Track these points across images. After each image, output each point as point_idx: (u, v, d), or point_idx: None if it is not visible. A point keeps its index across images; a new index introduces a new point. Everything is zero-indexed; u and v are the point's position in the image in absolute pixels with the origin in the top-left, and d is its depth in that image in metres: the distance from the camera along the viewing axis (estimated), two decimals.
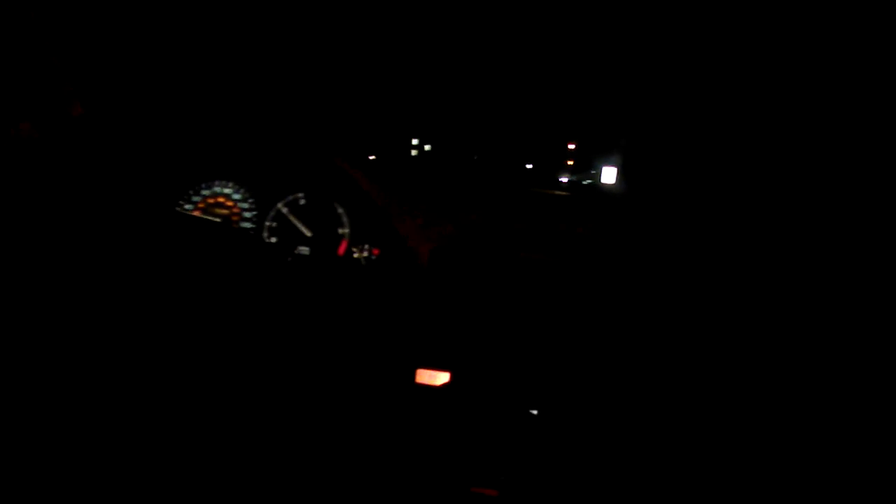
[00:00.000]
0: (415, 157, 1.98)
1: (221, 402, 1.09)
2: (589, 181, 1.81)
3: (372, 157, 1.91)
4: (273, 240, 1.49)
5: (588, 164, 1.83)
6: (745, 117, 1.37)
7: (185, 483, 0.94)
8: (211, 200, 1.52)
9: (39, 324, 1.15)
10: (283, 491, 0.96)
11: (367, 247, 1.45)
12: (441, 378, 1.17)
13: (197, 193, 1.53)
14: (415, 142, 1.98)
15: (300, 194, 1.49)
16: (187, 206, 1.52)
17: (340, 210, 1.47)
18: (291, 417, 1.09)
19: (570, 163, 1.88)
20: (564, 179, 1.88)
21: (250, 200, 1.51)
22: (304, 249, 1.47)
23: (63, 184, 1.46)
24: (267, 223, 1.49)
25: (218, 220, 1.49)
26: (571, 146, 1.90)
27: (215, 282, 1.33)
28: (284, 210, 1.49)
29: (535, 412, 1.14)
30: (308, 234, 1.48)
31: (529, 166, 1.95)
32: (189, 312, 1.24)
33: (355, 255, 1.46)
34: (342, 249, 1.46)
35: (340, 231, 1.47)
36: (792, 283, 1.20)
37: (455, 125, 1.97)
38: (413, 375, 1.17)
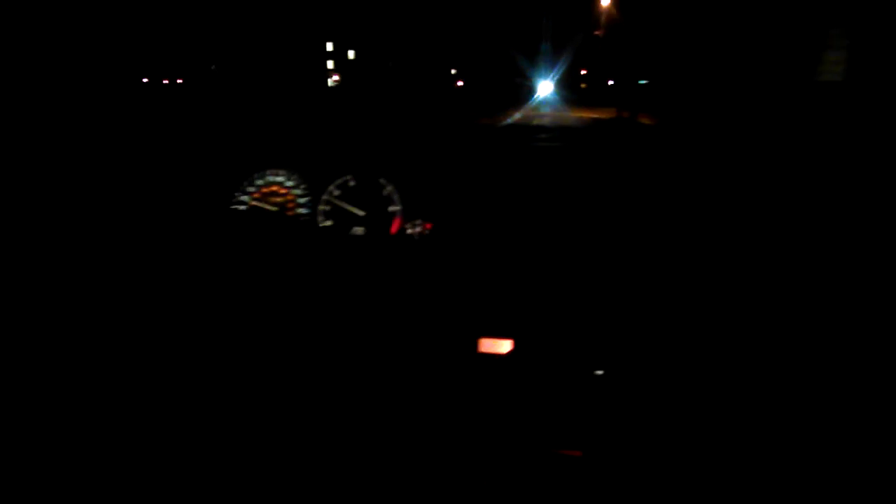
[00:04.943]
0: (332, 72, 1.61)
1: (293, 379, 1.15)
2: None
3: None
4: (328, 223, 1.52)
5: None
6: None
7: (259, 444, 1.00)
8: (265, 190, 1.57)
9: (107, 311, 1.24)
10: (360, 458, 1.01)
11: (419, 222, 1.47)
12: (504, 346, 1.19)
13: (251, 184, 1.58)
14: (329, 47, 1.56)
15: (349, 176, 1.52)
16: (243, 198, 1.57)
17: (389, 188, 1.49)
18: (365, 394, 1.14)
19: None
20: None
21: (302, 186, 1.54)
22: (359, 230, 1.51)
23: (124, 182, 1.54)
24: (321, 207, 1.53)
25: (274, 209, 1.54)
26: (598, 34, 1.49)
27: (277, 269, 1.38)
28: (336, 193, 1.52)
29: (600, 373, 1.14)
30: (361, 214, 1.51)
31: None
32: (256, 300, 1.30)
33: (408, 232, 1.48)
34: (395, 227, 1.48)
35: (391, 209, 1.49)
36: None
37: (392, 16, 1.48)
38: (476, 345, 1.19)
